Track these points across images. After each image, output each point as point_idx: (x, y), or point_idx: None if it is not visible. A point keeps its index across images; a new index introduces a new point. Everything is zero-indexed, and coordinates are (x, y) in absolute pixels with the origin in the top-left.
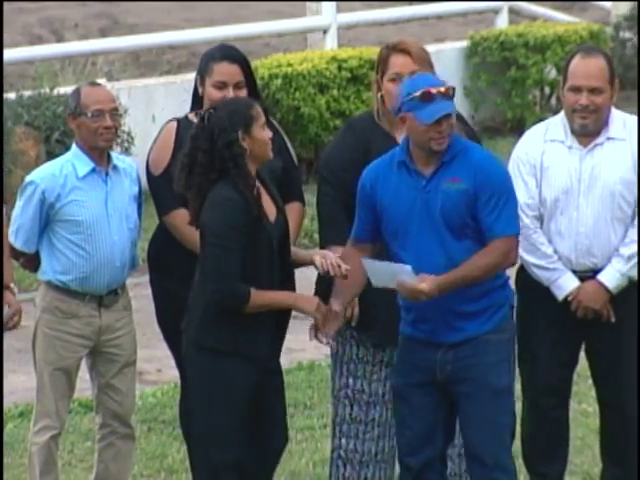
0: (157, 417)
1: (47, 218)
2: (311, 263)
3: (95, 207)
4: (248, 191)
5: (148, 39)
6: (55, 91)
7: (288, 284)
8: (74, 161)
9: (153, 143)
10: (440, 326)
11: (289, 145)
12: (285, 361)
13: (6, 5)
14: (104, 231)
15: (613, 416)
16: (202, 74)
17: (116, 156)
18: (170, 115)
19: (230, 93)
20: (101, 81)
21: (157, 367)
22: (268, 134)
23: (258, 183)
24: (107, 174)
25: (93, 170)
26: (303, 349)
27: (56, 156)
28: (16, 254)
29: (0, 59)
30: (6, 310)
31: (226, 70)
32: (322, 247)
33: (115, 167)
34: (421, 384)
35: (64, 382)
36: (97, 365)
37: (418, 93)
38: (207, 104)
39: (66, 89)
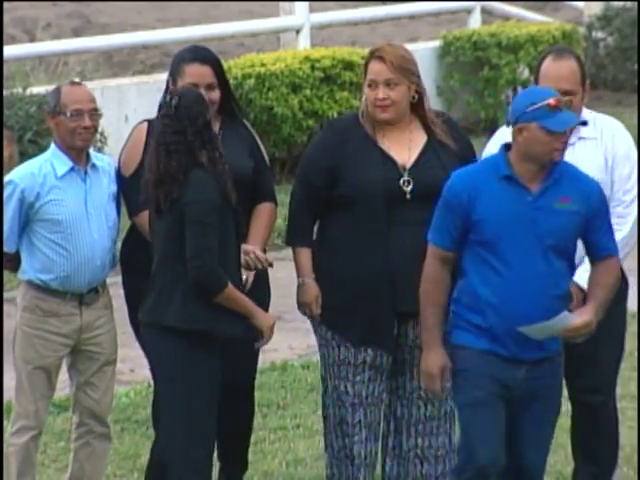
0: (130, 417)
1: (27, 217)
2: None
3: (74, 206)
4: (222, 173)
5: (121, 39)
6: (28, 91)
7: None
8: (53, 160)
9: (124, 144)
10: (530, 344)
11: (261, 146)
12: (258, 361)
13: None
14: (84, 230)
15: (585, 413)
16: (174, 75)
17: (95, 155)
18: (143, 115)
19: (213, 96)
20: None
21: (130, 367)
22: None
23: None
24: (86, 173)
25: (72, 169)
26: (276, 349)
27: (29, 156)
28: (7, 260)
29: (0, 58)
30: None
31: (197, 72)
32: (286, 243)
33: (94, 166)
34: (498, 397)
35: (44, 382)
36: (77, 363)
37: (549, 101)
38: None
39: (39, 89)
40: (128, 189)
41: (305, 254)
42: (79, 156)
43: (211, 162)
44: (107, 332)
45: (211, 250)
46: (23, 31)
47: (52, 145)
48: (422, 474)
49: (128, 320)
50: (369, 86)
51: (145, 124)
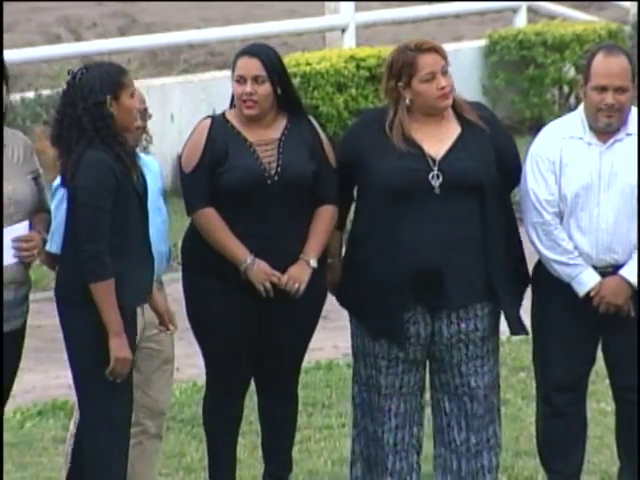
0: (175, 416)
1: None
2: None
3: None
4: (120, 151)
5: (165, 38)
6: None
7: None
8: None
9: (187, 140)
10: None
11: (326, 146)
12: (303, 360)
13: (23, 4)
14: None
15: (629, 413)
16: (233, 72)
17: (141, 154)
18: (187, 114)
19: (247, 88)
20: None
21: (176, 366)
22: (135, 104)
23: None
24: None
25: None
26: (321, 348)
27: None
28: (52, 261)
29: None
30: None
31: (244, 64)
32: None
33: (143, 163)
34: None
35: None
36: (136, 362)
37: None
38: (235, 101)
39: None
40: (188, 185)
41: (335, 237)
42: None
43: (105, 142)
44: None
45: (98, 235)
46: (68, 30)
47: None
48: (474, 467)
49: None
50: (426, 80)
51: (208, 120)
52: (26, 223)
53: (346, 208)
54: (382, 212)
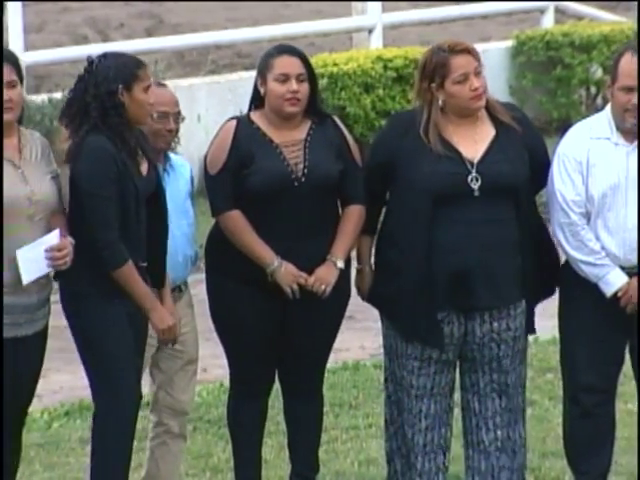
0: (202, 416)
1: None
2: None
3: None
4: (126, 141)
5: (193, 39)
6: None
7: (157, 243)
8: None
9: (212, 142)
10: None
11: (352, 145)
12: (330, 361)
13: (50, 4)
14: None
15: None
16: (263, 73)
17: (172, 155)
18: (215, 115)
19: (293, 86)
20: None
21: (202, 366)
22: (148, 99)
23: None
24: (165, 170)
25: None
26: (348, 349)
27: None
28: None
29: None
30: (57, 235)
31: (287, 62)
32: None
33: (171, 165)
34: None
35: None
36: (159, 362)
37: None
38: (273, 101)
39: None
40: (213, 187)
41: (366, 242)
42: (158, 156)
43: (112, 130)
44: (190, 331)
45: (108, 224)
46: (96, 31)
47: None
48: (501, 466)
49: (199, 320)
50: (459, 82)
51: (234, 122)
52: (57, 232)
53: (377, 211)
54: (419, 214)
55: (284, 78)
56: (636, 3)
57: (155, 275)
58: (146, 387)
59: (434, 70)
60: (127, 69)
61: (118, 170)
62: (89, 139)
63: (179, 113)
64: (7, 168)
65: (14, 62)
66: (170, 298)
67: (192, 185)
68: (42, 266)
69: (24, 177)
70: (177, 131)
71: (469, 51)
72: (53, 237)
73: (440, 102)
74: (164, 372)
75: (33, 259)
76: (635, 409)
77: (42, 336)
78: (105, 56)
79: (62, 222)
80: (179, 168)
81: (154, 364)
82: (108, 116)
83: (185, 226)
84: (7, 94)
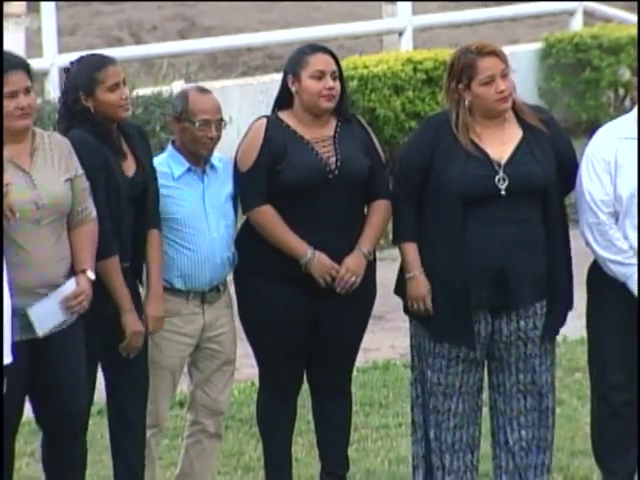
0: (234, 415)
1: None
2: None
3: (193, 205)
4: (107, 137)
5: (225, 41)
6: (134, 93)
7: (138, 244)
8: (170, 161)
9: (242, 140)
10: None
11: (376, 143)
12: (360, 360)
13: (83, 7)
14: (203, 228)
15: None
16: (296, 71)
17: (214, 156)
18: (247, 116)
19: (329, 82)
20: (179, 83)
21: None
22: (115, 96)
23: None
24: (204, 172)
25: (189, 170)
26: (378, 348)
27: None
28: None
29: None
30: (73, 284)
31: (323, 59)
32: (393, 242)
33: (212, 166)
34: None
35: (167, 381)
36: (197, 362)
37: None
38: (307, 97)
39: (144, 91)
40: (243, 185)
41: (411, 248)
42: (198, 159)
43: (88, 130)
44: (228, 332)
45: (99, 213)
46: (129, 33)
47: (169, 146)
48: (528, 465)
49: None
50: (486, 83)
51: (264, 120)
52: (72, 281)
53: (416, 216)
54: (449, 215)
55: (320, 75)
56: None
57: (137, 277)
58: (184, 386)
59: (461, 71)
60: (85, 74)
61: (102, 160)
62: (70, 133)
63: (221, 120)
64: (16, 173)
65: (26, 67)
66: (156, 303)
67: (234, 181)
68: (58, 316)
69: (32, 182)
70: (219, 138)
71: (496, 53)
72: (69, 287)
73: (467, 103)
74: (202, 371)
75: (48, 312)
76: None
77: (69, 334)
78: (73, 63)
79: (88, 238)
80: (221, 170)
81: (192, 363)
82: (78, 121)
83: (223, 228)
84: (25, 100)
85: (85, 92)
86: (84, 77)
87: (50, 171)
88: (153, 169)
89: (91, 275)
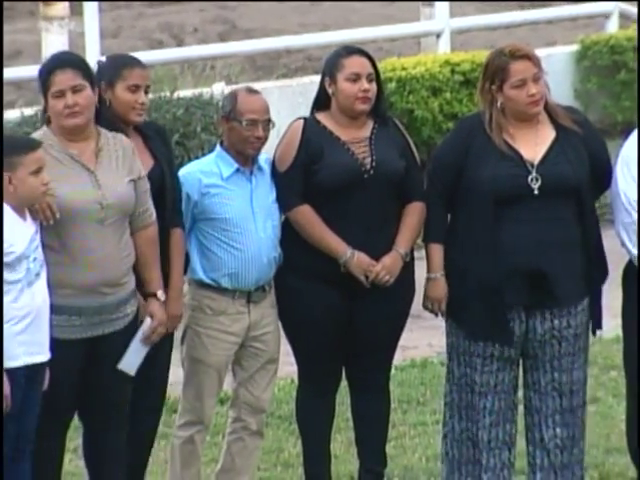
0: (274, 412)
1: (193, 216)
2: None
3: (240, 205)
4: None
5: (265, 43)
6: (175, 94)
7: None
8: (219, 161)
9: (280, 140)
10: None
11: (412, 145)
12: (398, 358)
13: (125, 10)
14: (250, 228)
15: None
16: (332, 73)
17: (261, 157)
18: (286, 118)
19: (365, 84)
20: (219, 85)
21: None
22: (132, 97)
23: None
24: (252, 173)
25: (237, 170)
26: (415, 347)
27: (175, 157)
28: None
29: (0, 67)
30: (149, 322)
31: (359, 62)
32: (423, 241)
33: (260, 167)
34: None
35: (213, 379)
36: (241, 360)
37: None
38: (343, 100)
39: (185, 92)
40: (282, 185)
41: (436, 250)
42: (246, 159)
43: (105, 124)
44: (273, 331)
45: None
46: (170, 36)
47: (218, 146)
48: (562, 463)
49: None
50: (517, 87)
51: (301, 121)
52: (148, 320)
53: (445, 218)
54: (483, 215)
55: (355, 77)
56: None
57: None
58: (227, 383)
59: (494, 73)
60: (113, 68)
61: None
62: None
63: (269, 120)
64: (81, 173)
65: (78, 66)
66: (177, 302)
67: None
68: (142, 352)
69: (97, 182)
70: (266, 138)
71: (529, 57)
72: (146, 325)
73: (499, 104)
74: (245, 370)
75: (133, 355)
76: None
77: (126, 333)
78: (108, 57)
79: (177, 248)
80: (268, 171)
81: (236, 361)
82: (99, 112)
83: (270, 228)
84: (72, 99)
85: (107, 82)
86: (111, 68)
87: (115, 172)
88: (172, 166)
89: (161, 296)
